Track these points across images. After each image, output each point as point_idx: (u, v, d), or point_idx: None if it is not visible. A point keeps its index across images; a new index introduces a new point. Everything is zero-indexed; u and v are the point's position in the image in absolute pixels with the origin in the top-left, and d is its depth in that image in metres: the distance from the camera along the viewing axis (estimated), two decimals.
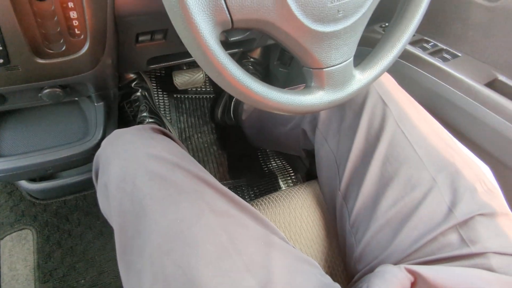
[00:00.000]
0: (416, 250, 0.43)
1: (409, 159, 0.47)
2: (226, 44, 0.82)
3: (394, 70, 0.73)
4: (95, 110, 0.64)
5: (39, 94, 0.53)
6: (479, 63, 0.65)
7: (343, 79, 0.41)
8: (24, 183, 0.79)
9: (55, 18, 0.43)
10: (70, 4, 0.43)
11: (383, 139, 0.49)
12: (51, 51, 0.46)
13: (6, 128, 0.62)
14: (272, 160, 1.21)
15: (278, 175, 1.17)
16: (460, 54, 0.68)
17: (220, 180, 1.13)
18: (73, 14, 0.44)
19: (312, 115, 0.61)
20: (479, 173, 0.46)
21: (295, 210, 0.60)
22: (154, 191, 0.39)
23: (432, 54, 0.69)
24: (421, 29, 0.75)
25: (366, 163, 0.49)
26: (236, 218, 0.41)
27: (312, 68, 0.39)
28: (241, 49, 0.87)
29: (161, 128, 0.52)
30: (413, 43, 0.73)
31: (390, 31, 0.44)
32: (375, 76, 0.44)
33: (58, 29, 0.44)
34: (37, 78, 0.49)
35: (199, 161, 1.12)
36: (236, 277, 0.35)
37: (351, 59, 0.41)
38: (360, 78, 0.42)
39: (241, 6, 0.31)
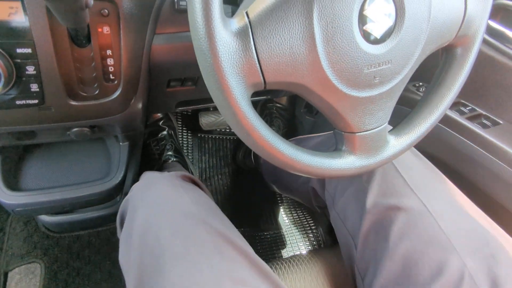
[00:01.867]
0: None
1: (435, 240, 0.41)
2: (255, 92, 0.83)
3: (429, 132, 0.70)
4: (120, 150, 0.64)
5: (68, 132, 0.54)
6: None
7: (377, 145, 0.39)
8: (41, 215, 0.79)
9: (93, 64, 0.45)
10: (109, 52, 0.45)
11: (400, 213, 0.44)
12: (84, 94, 0.47)
13: (30, 161, 0.63)
14: (293, 209, 1.16)
15: (298, 228, 1.11)
16: (501, 122, 0.64)
17: (236, 226, 1.09)
18: (110, 61, 0.45)
19: None
20: None
21: (317, 279, 0.55)
22: (175, 247, 0.38)
23: (470, 119, 0.66)
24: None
25: (382, 239, 0.44)
26: (254, 284, 0.38)
27: (344, 132, 0.37)
28: (269, 97, 0.88)
29: (191, 176, 0.51)
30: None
31: (428, 96, 0.42)
32: (411, 143, 0.41)
33: (94, 74, 0.46)
34: (69, 119, 0.50)
35: (217, 203, 1.11)
36: None
37: (386, 124, 0.39)
38: (394, 143, 0.40)
39: (275, 70, 0.30)
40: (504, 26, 0.61)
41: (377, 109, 0.37)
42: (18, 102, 0.43)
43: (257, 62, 0.30)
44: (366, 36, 0.32)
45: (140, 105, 0.54)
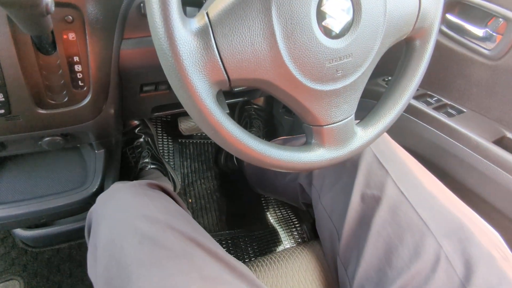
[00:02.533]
0: None
1: (412, 224, 0.43)
2: (230, 94, 0.83)
3: (398, 124, 0.73)
4: (95, 158, 0.64)
5: (39, 142, 0.53)
6: (485, 119, 0.64)
7: (344, 137, 0.40)
8: (17, 230, 0.77)
9: (60, 71, 0.44)
10: (76, 58, 0.45)
11: (383, 202, 0.46)
12: (53, 102, 0.47)
13: (4, 174, 0.62)
14: (277, 209, 1.17)
15: (282, 227, 1.12)
16: (465, 110, 0.67)
17: (221, 229, 1.09)
18: (77, 68, 0.45)
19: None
20: (493, 239, 0.42)
21: (299, 274, 0.56)
22: (142, 255, 0.37)
23: (437, 109, 0.69)
24: (424, 84, 0.75)
25: (365, 228, 0.46)
26: (227, 284, 0.38)
27: (312, 125, 0.38)
28: (245, 98, 0.89)
29: (159, 183, 0.51)
30: (417, 97, 0.73)
31: (391, 88, 0.44)
32: (377, 133, 0.42)
33: (62, 81, 0.45)
34: (38, 128, 0.49)
35: (200, 209, 1.11)
36: None
37: (352, 116, 0.40)
38: (362, 135, 0.41)
39: (238, 67, 0.31)
40: (461, 19, 0.64)
41: (342, 101, 0.38)
42: None
43: (219, 60, 0.30)
44: (326, 31, 0.33)
45: (112, 111, 0.54)
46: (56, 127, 0.50)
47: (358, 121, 0.44)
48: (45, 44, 0.42)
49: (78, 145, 0.65)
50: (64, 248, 0.87)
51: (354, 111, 0.40)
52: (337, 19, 0.34)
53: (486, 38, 0.60)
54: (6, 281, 0.79)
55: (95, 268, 0.40)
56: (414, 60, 0.43)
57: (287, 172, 0.69)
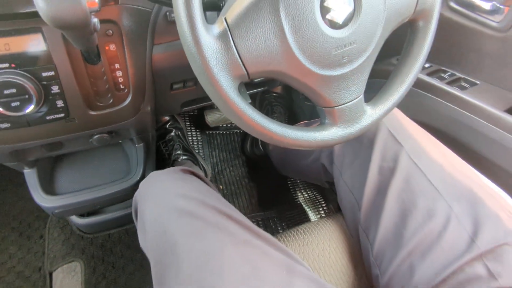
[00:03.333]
0: (443, 281, 0.42)
1: (425, 191, 0.47)
2: (251, 85, 0.89)
3: (413, 100, 0.75)
4: (136, 151, 0.72)
5: (90, 140, 0.62)
6: (497, 89, 0.66)
7: (355, 115, 0.43)
8: (74, 218, 0.88)
9: (105, 78, 0.52)
10: (117, 66, 0.52)
11: (397, 173, 0.50)
12: (101, 104, 0.54)
13: (61, 169, 0.72)
14: (304, 190, 1.22)
15: (309, 206, 1.17)
16: (478, 82, 0.69)
17: (252, 212, 1.16)
18: (118, 73, 0.53)
19: (329, 150, 0.64)
20: (501, 201, 0.45)
21: (323, 242, 0.61)
22: (182, 226, 0.44)
23: (450, 83, 0.71)
24: (437, 59, 0.77)
25: (382, 197, 0.51)
26: (258, 248, 0.44)
27: (324, 107, 0.42)
28: (266, 88, 0.94)
29: (190, 169, 0.58)
30: (430, 73, 0.75)
31: (398, 68, 0.47)
32: (386, 111, 0.45)
33: (107, 86, 0.53)
34: (90, 127, 0.57)
35: (231, 194, 1.18)
36: None
37: (361, 96, 0.43)
38: (371, 113, 0.44)
39: (255, 62, 0.36)
40: None
41: (350, 84, 0.41)
42: (48, 117, 0.51)
43: (238, 58, 0.34)
44: (330, 23, 0.36)
45: (148, 108, 0.61)
46: (104, 126, 0.58)
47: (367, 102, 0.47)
48: (92, 56, 0.49)
49: (121, 141, 0.74)
50: (114, 233, 0.98)
51: (363, 91, 0.43)
52: (339, 11, 0.37)
53: (494, 11, 0.61)
54: (69, 262, 0.92)
55: (145, 240, 0.48)
56: (418, 40, 0.45)
57: (309, 151, 0.74)
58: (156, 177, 0.54)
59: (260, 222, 1.10)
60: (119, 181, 0.69)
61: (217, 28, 0.35)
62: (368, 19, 0.38)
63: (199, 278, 0.39)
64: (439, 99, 0.70)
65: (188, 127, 1.26)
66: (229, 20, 0.35)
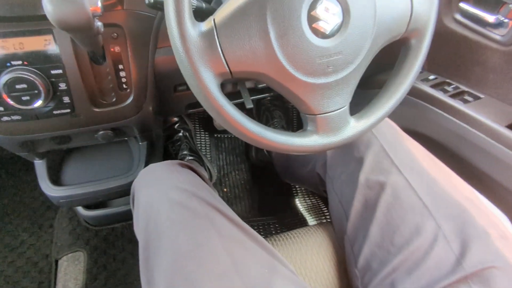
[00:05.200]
0: None
1: (414, 207, 0.47)
2: (255, 90, 0.90)
3: (414, 111, 0.75)
4: (139, 149, 0.75)
5: (95, 135, 0.66)
6: (502, 104, 0.64)
7: (337, 125, 0.43)
8: (81, 210, 0.93)
9: (109, 77, 0.55)
10: (120, 66, 0.55)
11: (387, 187, 0.50)
12: (104, 102, 0.58)
13: (69, 162, 0.76)
14: (307, 197, 1.22)
15: (311, 213, 1.17)
16: (482, 96, 0.68)
17: (254, 216, 1.17)
18: (122, 74, 0.56)
19: (323, 160, 0.64)
20: (494, 220, 0.44)
21: (312, 249, 0.61)
22: (172, 215, 0.46)
23: (453, 96, 0.70)
24: (442, 71, 0.76)
25: (370, 210, 0.51)
26: (243, 244, 0.45)
27: (306, 114, 0.42)
28: (272, 94, 0.95)
29: (187, 163, 0.60)
30: (435, 85, 0.75)
31: (388, 84, 0.46)
32: (370, 125, 0.45)
33: (111, 85, 0.56)
34: (94, 123, 0.61)
35: (235, 197, 1.20)
36: None
37: (346, 107, 0.43)
38: (354, 125, 0.44)
39: (238, 61, 0.36)
40: (474, 7, 0.64)
41: (334, 94, 0.41)
42: (55, 112, 0.54)
43: (222, 55, 0.35)
44: (316, 32, 0.37)
45: (150, 108, 0.64)
46: (107, 122, 0.62)
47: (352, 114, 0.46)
48: (97, 56, 0.53)
49: (126, 139, 0.78)
50: (118, 228, 1.02)
51: (348, 102, 0.43)
52: (327, 21, 0.37)
53: (498, 25, 0.60)
54: (74, 252, 0.96)
55: (138, 225, 0.51)
56: (409, 59, 0.44)
57: (307, 160, 0.75)
58: (154, 167, 0.57)
59: (260, 227, 1.11)
60: (120, 176, 0.73)
61: (204, 26, 0.36)
62: (356, 32, 0.39)
63: (180, 266, 0.41)
64: (440, 111, 0.69)
65: (197, 129, 1.29)
66: (217, 20, 0.36)
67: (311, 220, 1.15)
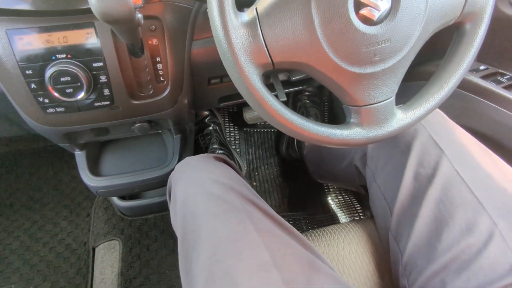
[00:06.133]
0: None
1: (465, 202, 0.44)
2: (288, 83, 0.89)
3: (463, 105, 0.70)
4: (173, 141, 0.76)
5: (132, 128, 0.67)
6: None
7: (383, 118, 0.41)
8: (116, 201, 0.96)
9: (147, 70, 0.56)
10: (158, 59, 0.55)
11: (436, 180, 0.47)
12: (142, 94, 0.58)
13: (106, 154, 0.79)
14: (339, 194, 1.19)
15: (344, 210, 1.14)
16: None
17: (283, 211, 1.16)
18: (159, 66, 0.56)
19: (362, 152, 0.62)
20: None
21: (350, 245, 0.59)
22: (210, 208, 0.46)
23: (508, 87, 0.64)
24: (495, 62, 0.71)
25: (416, 204, 0.48)
26: (280, 238, 0.44)
27: (350, 105, 0.41)
28: (304, 87, 0.93)
29: (222, 157, 0.60)
30: (485, 76, 0.69)
31: (438, 72, 0.43)
32: (418, 117, 0.42)
33: (148, 78, 0.57)
34: (131, 115, 0.62)
35: (264, 192, 1.19)
36: None
37: (392, 98, 0.41)
38: (401, 117, 0.42)
39: (281, 51, 0.36)
40: None
41: (381, 84, 0.39)
42: (95, 104, 0.56)
43: (264, 46, 0.35)
44: (363, 19, 0.34)
45: (186, 101, 0.64)
46: (144, 114, 0.63)
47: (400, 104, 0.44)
48: (136, 49, 0.53)
49: (160, 131, 0.79)
50: (151, 218, 1.04)
51: (394, 93, 0.41)
52: (374, 7, 0.35)
53: None
54: (109, 240, 1.00)
55: (175, 218, 0.51)
56: (463, 45, 0.41)
57: (343, 155, 0.72)
58: (190, 161, 0.57)
59: (291, 223, 1.10)
60: (156, 168, 0.74)
61: (246, 16, 0.35)
62: (406, 18, 0.36)
63: (218, 259, 0.41)
64: (493, 104, 0.64)
65: (227, 123, 1.29)
66: (259, 9, 0.35)
67: (343, 217, 1.12)
